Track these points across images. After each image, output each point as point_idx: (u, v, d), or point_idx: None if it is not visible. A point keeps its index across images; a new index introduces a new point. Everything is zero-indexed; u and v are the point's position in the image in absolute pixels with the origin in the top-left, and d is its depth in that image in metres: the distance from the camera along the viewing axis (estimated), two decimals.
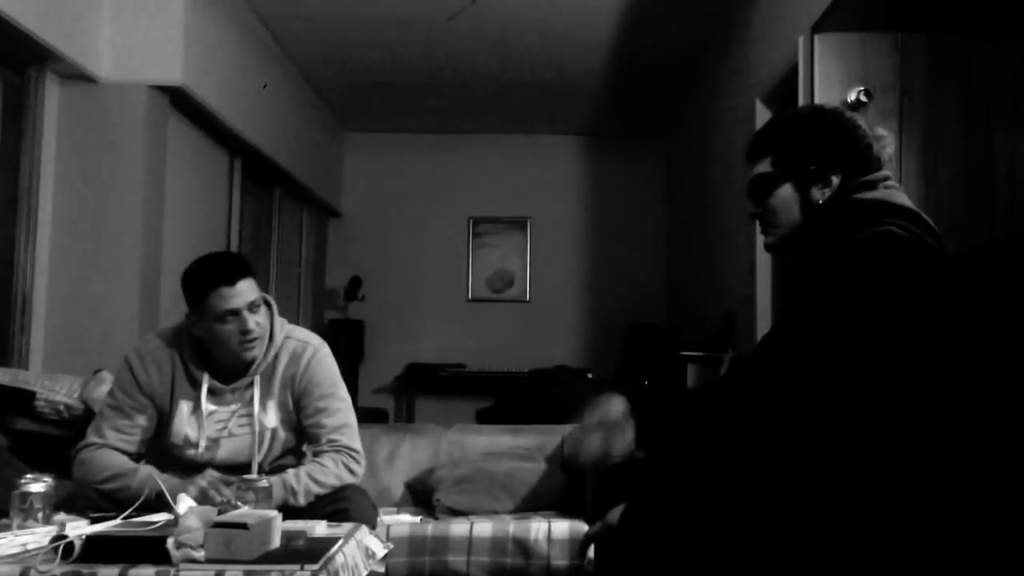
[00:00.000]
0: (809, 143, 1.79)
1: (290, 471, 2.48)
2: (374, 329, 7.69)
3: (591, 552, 2.91)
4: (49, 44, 3.81)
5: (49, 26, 3.79)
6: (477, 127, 7.79)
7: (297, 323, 2.77)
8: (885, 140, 1.81)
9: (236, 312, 2.43)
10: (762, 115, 4.44)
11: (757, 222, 1.88)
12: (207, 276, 2.44)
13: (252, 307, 2.45)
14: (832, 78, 3.40)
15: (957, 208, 3.36)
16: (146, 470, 2.44)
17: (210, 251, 2.66)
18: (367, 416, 5.79)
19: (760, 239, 4.35)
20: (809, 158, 1.78)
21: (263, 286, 6.14)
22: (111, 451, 2.50)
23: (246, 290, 2.44)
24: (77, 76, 4.18)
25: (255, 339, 2.48)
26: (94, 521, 2.06)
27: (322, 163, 7.27)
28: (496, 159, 7.95)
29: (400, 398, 7.72)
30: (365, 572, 2.08)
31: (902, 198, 1.73)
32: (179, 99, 4.57)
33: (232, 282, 2.42)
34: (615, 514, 1.73)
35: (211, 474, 2.38)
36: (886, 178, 1.76)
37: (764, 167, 1.83)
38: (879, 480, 1.48)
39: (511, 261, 7.96)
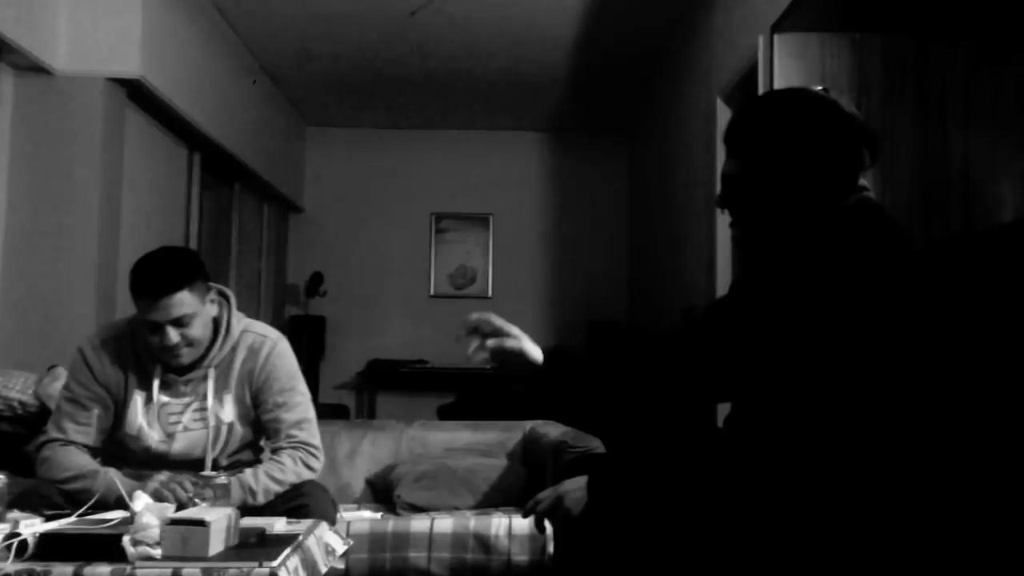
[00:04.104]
0: (780, 161, 1.66)
1: (248, 471, 2.46)
2: (335, 325, 7.65)
3: (551, 547, 2.94)
4: (3, 35, 3.74)
5: (3, 16, 3.72)
6: (440, 123, 7.77)
7: (258, 319, 2.75)
8: (873, 138, 1.69)
9: (158, 325, 2.39)
10: (723, 113, 4.47)
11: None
12: (136, 283, 2.39)
13: (179, 322, 2.39)
14: (791, 77, 3.45)
15: (912, 207, 3.42)
16: (106, 472, 2.41)
17: (167, 245, 2.62)
18: (328, 412, 5.76)
19: (720, 235, 4.38)
20: (777, 179, 1.66)
21: (223, 281, 6.07)
22: (74, 449, 2.47)
23: (172, 305, 2.36)
24: (32, 68, 4.11)
25: (177, 354, 2.43)
26: (49, 519, 2.03)
27: (283, 158, 7.22)
28: (458, 155, 7.94)
29: (361, 394, 7.69)
30: (324, 569, 2.07)
31: (872, 203, 1.71)
32: (137, 92, 4.51)
33: (156, 297, 2.35)
34: (568, 486, 1.73)
35: (164, 474, 2.36)
36: (853, 185, 1.67)
37: (731, 167, 1.73)
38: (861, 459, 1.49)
39: (473, 257, 7.96)
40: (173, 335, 2.39)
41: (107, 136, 4.29)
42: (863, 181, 1.70)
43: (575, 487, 1.72)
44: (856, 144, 1.67)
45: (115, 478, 2.34)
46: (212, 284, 2.53)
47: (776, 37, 3.47)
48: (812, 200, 1.66)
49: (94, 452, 2.51)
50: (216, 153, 5.68)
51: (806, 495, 1.49)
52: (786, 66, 3.45)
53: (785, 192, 1.67)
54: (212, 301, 2.50)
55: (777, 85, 3.43)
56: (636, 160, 7.60)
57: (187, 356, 2.46)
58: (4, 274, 4.08)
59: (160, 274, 2.38)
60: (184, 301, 2.38)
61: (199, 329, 2.44)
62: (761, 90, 3.59)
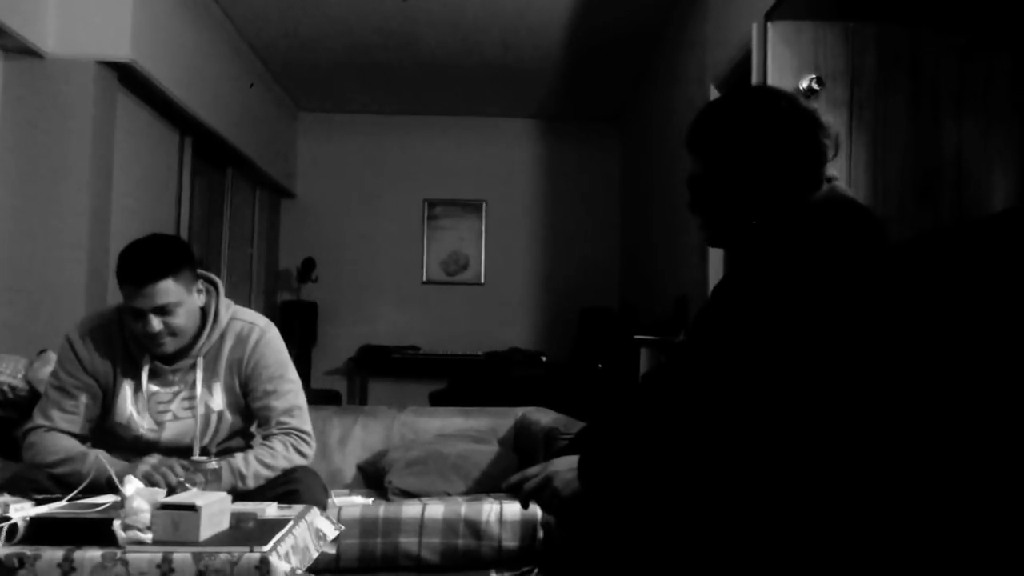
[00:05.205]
0: (741, 157, 1.67)
1: (238, 455, 2.46)
2: (327, 311, 7.65)
3: (541, 533, 2.95)
4: None
5: None
6: (433, 109, 7.75)
7: (249, 305, 2.74)
8: (831, 132, 1.70)
9: (141, 312, 2.38)
10: None
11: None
12: (122, 269, 2.38)
13: (162, 310, 2.37)
14: (785, 66, 3.44)
15: (904, 196, 3.42)
16: (95, 454, 2.41)
17: (157, 232, 2.60)
18: (320, 398, 5.77)
19: None
20: (739, 174, 1.67)
21: (214, 266, 6.04)
22: (60, 434, 2.46)
23: (156, 293, 2.34)
24: (22, 50, 4.08)
25: (160, 342, 2.42)
26: (39, 503, 2.03)
27: (275, 143, 7.19)
28: (452, 142, 7.93)
29: (353, 380, 7.69)
30: (316, 554, 2.08)
31: (845, 194, 1.71)
32: (128, 76, 4.48)
33: (140, 284, 2.34)
34: (558, 466, 1.72)
35: (155, 456, 2.36)
36: (822, 178, 1.68)
37: (695, 169, 1.74)
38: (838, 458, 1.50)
39: (466, 244, 7.96)
40: (156, 323, 2.37)
41: (98, 120, 4.27)
42: (832, 172, 1.70)
43: (565, 467, 1.71)
44: (816, 137, 1.67)
45: (104, 460, 2.34)
46: (201, 272, 2.52)
47: (770, 25, 3.47)
48: (776, 197, 1.66)
49: (81, 440, 2.50)
50: (208, 138, 5.66)
51: (791, 491, 1.50)
52: (780, 54, 3.44)
53: (748, 191, 1.68)
54: (199, 291, 2.48)
55: (771, 74, 3.43)
56: (629, 148, 7.59)
57: (170, 345, 2.44)
58: None
59: (145, 261, 2.37)
60: (168, 290, 2.36)
61: (183, 318, 2.42)
62: (755, 78, 3.59)
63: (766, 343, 1.52)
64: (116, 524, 1.76)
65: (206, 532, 1.79)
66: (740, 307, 1.56)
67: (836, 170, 1.75)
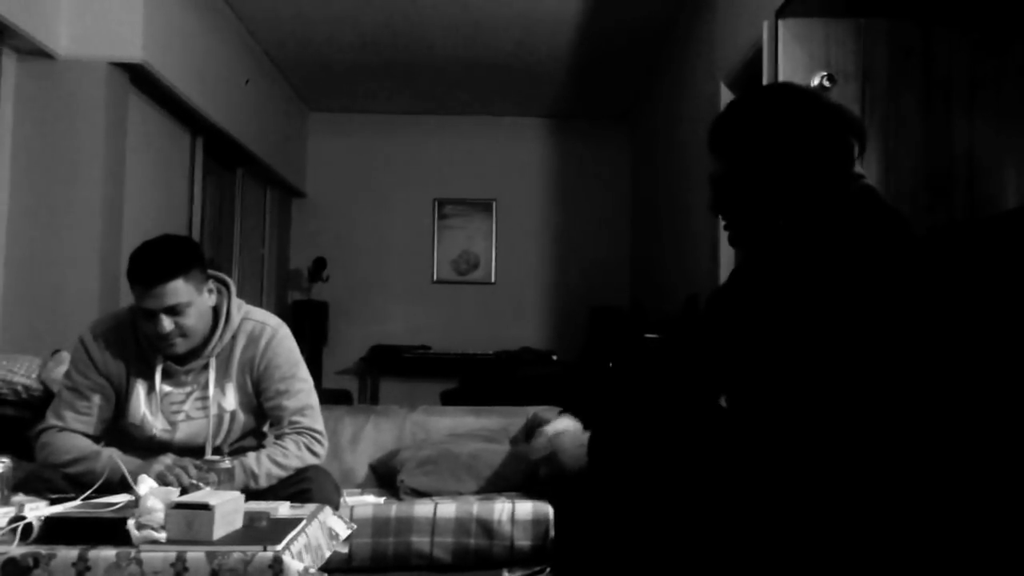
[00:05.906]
0: (766, 156, 1.64)
1: (251, 454, 2.47)
2: (338, 310, 7.66)
3: (552, 532, 2.95)
4: (5, 18, 3.74)
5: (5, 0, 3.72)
6: (443, 108, 7.76)
7: (260, 304, 2.75)
8: (857, 127, 1.68)
9: (151, 313, 2.39)
10: (727, 99, 4.46)
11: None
12: (132, 270, 2.39)
13: (172, 310, 2.37)
14: (796, 63, 3.43)
15: (917, 193, 3.41)
16: (108, 453, 2.42)
17: (168, 232, 2.61)
18: (331, 397, 5.77)
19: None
20: (764, 173, 1.65)
21: (225, 266, 6.05)
22: (73, 434, 2.47)
23: (166, 294, 2.35)
24: (35, 52, 4.10)
25: (171, 343, 2.42)
26: (53, 502, 2.04)
27: (286, 143, 7.21)
28: (462, 141, 7.93)
29: (364, 379, 7.71)
30: (328, 553, 2.08)
31: (875, 190, 1.70)
32: (140, 77, 4.50)
33: (149, 285, 2.35)
34: (564, 442, 1.72)
35: (169, 457, 2.36)
36: (850, 175, 1.66)
37: (718, 169, 1.71)
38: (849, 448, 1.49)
39: (476, 243, 7.96)
40: (167, 323, 2.38)
41: (110, 121, 4.28)
42: (859, 169, 1.69)
43: (572, 444, 1.71)
44: (843, 134, 1.65)
45: (117, 459, 2.35)
46: (212, 272, 2.53)
47: (781, 22, 3.45)
48: (804, 195, 1.64)
49: (95, 440, 2.51)
50: (219, 138, 5.67)
51: (808, 488, 1.49)
52: (791, 52, 3.43)
53: (774, 190, 1.66)
54: (210, 291, 2.49)
55: (782, 72, 3.41)
56: (639, 146, 7.58)
57: (181, 346, 2.45)
58: (8, 259, 4.08)
59: (155, 262, 2.38)
60: (178, 290, 2.37)
61: (193, 319, 2.43)
62: (765, 77, 3.57)
63: (806, 334, 1.50)
64: (130, 523, 1.77)
65: (219, 531, 1.80)
66: (775, 298, 1.53)
67: None
